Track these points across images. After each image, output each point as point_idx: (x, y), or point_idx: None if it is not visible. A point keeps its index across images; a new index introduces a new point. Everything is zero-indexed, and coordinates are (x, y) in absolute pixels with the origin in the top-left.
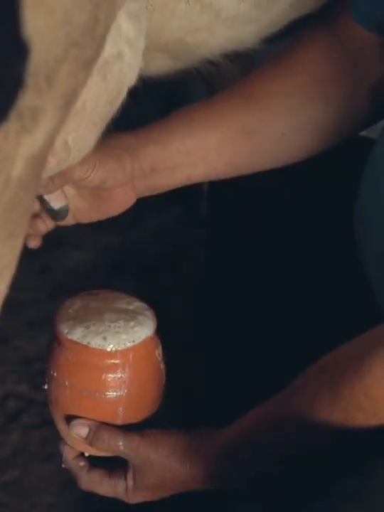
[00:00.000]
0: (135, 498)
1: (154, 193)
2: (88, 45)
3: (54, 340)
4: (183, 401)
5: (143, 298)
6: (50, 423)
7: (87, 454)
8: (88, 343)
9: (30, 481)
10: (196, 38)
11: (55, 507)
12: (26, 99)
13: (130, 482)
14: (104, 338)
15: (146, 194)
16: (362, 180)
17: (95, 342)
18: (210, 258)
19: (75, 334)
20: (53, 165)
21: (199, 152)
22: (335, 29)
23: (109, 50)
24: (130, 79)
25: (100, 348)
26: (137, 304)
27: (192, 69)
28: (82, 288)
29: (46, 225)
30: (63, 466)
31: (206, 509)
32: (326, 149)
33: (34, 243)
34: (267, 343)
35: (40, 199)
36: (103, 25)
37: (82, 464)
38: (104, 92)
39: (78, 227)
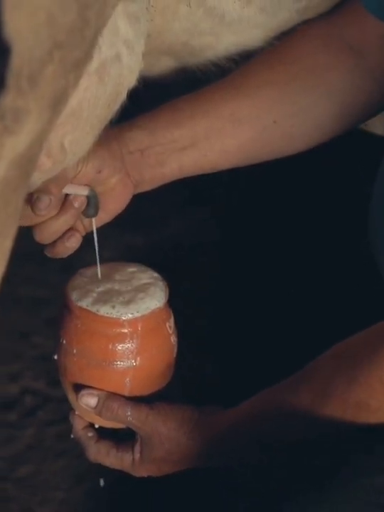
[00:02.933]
0: (141, 471)
1: (152, 185)
2: (77, 46)
3: (64, 307)
4: (193, 391)
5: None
6: (65, 420)
7: (97, 426)
8: (97, 311)
9: (43, 476)
10: (201, 41)
11: (67, 503)
12: (8, 100)
13: (137, 455)
14: (113, 307)
15: (145, 187)
16: (376, 180)
17: (104, 310)
18: (226, 256)
19: (85, 301)
20: (49, 167)
21: (186, 141)
22: (333, 19)
23: (106, 51)
24: (129, 81)
25: (109, 316)
26: (150, 274)
27: (196, 70)
28: None
29: (84, 225)
30: (72, 436)
31: (207, 504)
32: (327, 140)
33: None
34: (277, 332)
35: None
36: (94, 25)
37: (90, 434)
38: (102, 94)
39: (101, 226)
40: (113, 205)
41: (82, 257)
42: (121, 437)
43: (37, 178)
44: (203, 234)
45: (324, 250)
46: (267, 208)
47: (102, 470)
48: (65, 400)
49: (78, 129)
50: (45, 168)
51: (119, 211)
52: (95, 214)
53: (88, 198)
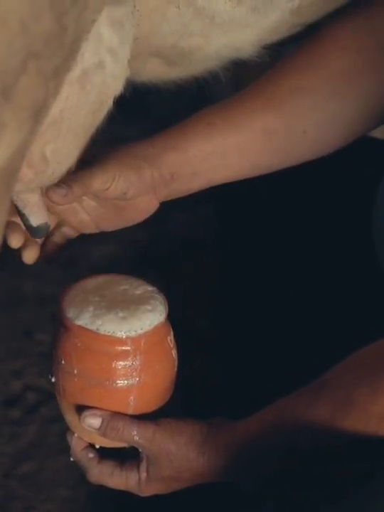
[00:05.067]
0: (148, 491)
1: (176, 197)
2: (55, 54)
3: (60, 326)
4: (195, 392)
5: (166, 293)
6: None
7: (97, 446)
8: (97, 329)
9: (46, 473)
10: (190, 42)
11: (70, 500)
12: None
13: (143, 474)
14: (114, 324)
15: (168, 199)
16: (380, 184)
17: (105, 328)
18: (227, 254)
19: (83, 319)
20: (31, 177)
21: (218, 157)
22: (363, 18)
23: (88, 59)
24: (114, 88)
25: (110, 334)
26: (147, 288)
27: (192, 78)
28: None
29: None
30: (71, 459)
31: (212, 503)
32: (350, 142)
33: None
34: (279, 331)
35: (20, 214)
36: (73, 32)
37: (91, 455)
38: (85, 102)
39: None
40: (132, 217)
41: (87, 252)
42: (124, 456)
43: (20, 189)
44: (205, 230)
45: (326, 249)
46: (269, 205)
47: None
48: None
49: (60, 138)
50: (28, 179)
51: (139, 221)
52: (40, 238)
53: (38, 226)
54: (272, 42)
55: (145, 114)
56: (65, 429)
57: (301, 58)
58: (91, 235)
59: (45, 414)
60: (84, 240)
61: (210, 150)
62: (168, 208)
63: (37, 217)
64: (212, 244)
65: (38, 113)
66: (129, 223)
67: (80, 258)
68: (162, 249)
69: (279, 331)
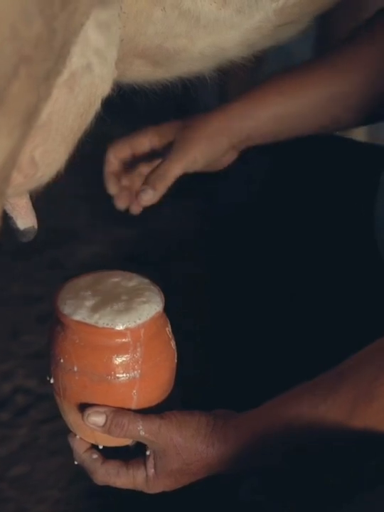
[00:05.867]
0: (156, 488)
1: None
2: (45, 58)
3: (56, 324)
4: (194, 384)
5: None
6: (58, 418)
7: (100, 447)
8: (96, 323)
9: (38, 475)
10: (175, 43)
11: (62, 502)
12: None
13: (151, 470)
14: (112, 317)
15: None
16: (381, 178)
17: (103, 321)
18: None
19: (81, 314)
20: (20, 181)
21: (288, 120)
22: None
23: (76, 61)
24: (102, 90)
25: (109, 327)
26: (141, 280)
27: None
28: None
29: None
30: (75, 462)
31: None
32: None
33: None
34: (273, 327)
35: (8, 217)
36: (62, 35)
37: (95, 456)
38: (73, 105)
39: (89, 220)
40: (216, 168)
41: (71, 253)
42: (128, 455)
43: (9, 194)
44: (193, 226)
45: (327, 242)
46: (258, 201)
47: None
48: None
49: (49, 141)
50: (17, 183)
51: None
52: (26, 241)
53: (25, 230)
54: (255, 41)
55: (130, 113)
56: (55, 431)
57: (367, 34)
58: (76, 235)
59: (34, 416)
60: (69, 239)
61: (281, 116)
62: (154, 206)
63: (24, 221)
64: (201, 241)
65: (30, 118)
66: (213, 170)
67: (65, 258)
68: (149, 248)
69: (277, 326)
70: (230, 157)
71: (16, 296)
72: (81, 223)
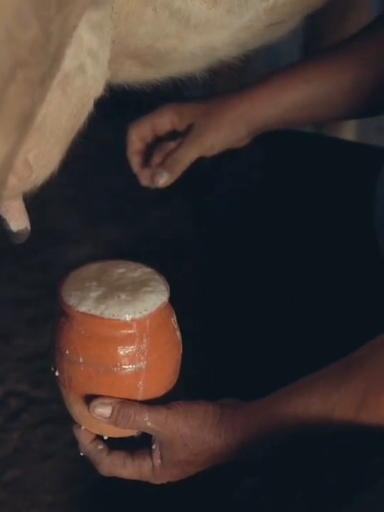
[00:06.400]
0: (162, 478)
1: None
2: (41, 62)
3: (61, 315)
4: (194, 384)
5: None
6: (51, 421)
7: (105, 438)
8: (101, 314)
9: (31, 479)
10: (166, 44)
11: (56, 506)
12: None
13: (157, 461)
14: (117, 307)
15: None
16: (379, 173)
17: (109, 312)
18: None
19: (86, 306)
20: (15, 184)
21: (310, 108)
22: None
23: (69, 63)
24: (95, 90)
25: (115, 318)
26: (145, 270)
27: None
28: None
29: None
30: (81, 453)
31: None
32: None
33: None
34: (262, 325)
35: (1, 219)
36: (57, 39)
37: (100, 447)
38: (66, 106)
39: (78, 222)
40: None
41: (62, 254)
42: (133, 446)
43: (4, 196)
44: (184, 226)
45: (316, 242)
46: (252, 199)
47: (91, 472)
48: (50, 401)
49: (43, 143)
50: (11, 186)
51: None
52: (19, 243)
53: (18, 232)
54: (245, 41)
55: (121, 113)
56: (48, 435)
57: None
58: (66, 237)
59: (27, 420)
60: (58, 241)
61: (304, 104)
62: (143, 207)
63: (17, 223)
64: (191, 240)
65: (25, 121)
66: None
67: (55, 260)
68: (139, 249)
69: (277, 324)
70: (244, 143)
71: (6, 299)
72: (70, 225)
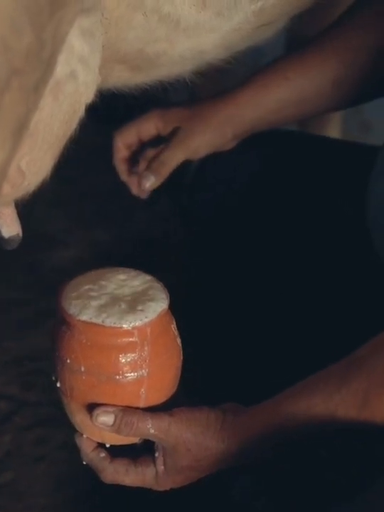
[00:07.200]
0: (166, 484)
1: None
2: (35, 69)
3: (61, 324)
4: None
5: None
6: (42, 424)
7: (107, 445)
8: (103, 322)
9: (23, 482)
10: (156, 48)
11: (49, 508)
12: None
13: (160, 467)
14: (119, 316)
15: None
16: (371, 173)
17: (110, 320)
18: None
19: (87, 314)
20: (8, 191)
21: (293, 106)
22: None
23: (60, 70)
24: (86, 96)
25: (116, 326)
26: (145, 278)
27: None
28: None
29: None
30: (84, 462)
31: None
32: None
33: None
34: (263, 331)
35: None
36: (50, 45)
37: (103, 455)
38: (58, 112)
39: (65, 224)
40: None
41: (49, 256)
42: (135, 453)
43: None
44: (168, 229)
45: (309, 243)
46: (240, 200)
47: (83, 474)
48: (40, 403)
49: (35, 150)
50: (5, 193)
51: None
52: (11, 249)
53: (9, 238)
54: (234, 43)
55: (108, 116)
56: (39, 437)
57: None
58: (53, 239)
59: (18, 422)
60: (45, 243)
61: (288, 103)
62: (129, 208)
63: (9, 229)
64: (178, 243)
65: (20, 129)
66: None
67: (42, 262)
68: (125, 250)
69: (270, 326)
70: (231, 145)
71: None
72: (56, 227)
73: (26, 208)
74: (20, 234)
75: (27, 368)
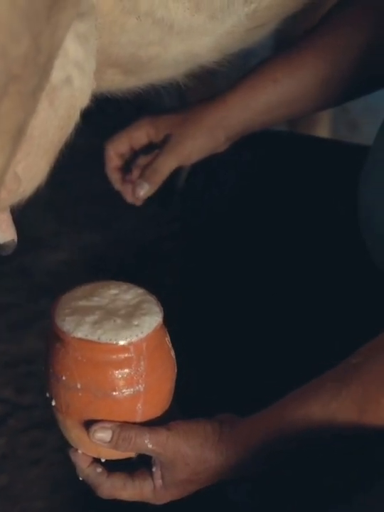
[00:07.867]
0: (164, 498)
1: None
2: (33, 74)
3: (55, 341)
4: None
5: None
6: (37, 427)
7: (103, 460)
8: (98, 339)
9: (19, 486)
10: (149, 51)
11: (45, 511)
12: None
13: (158, 481)
14: (115, 332)
15: None
16: (364, 166)
17: (106, 337)
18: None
19: (82, 331)
20: (4, 197)
21: (283, 107)
22: None
23: (56, 75)
24: (82, 101)
25: (112, 342)
26: (137, 291)
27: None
28: (61, 288)
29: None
30: (80, 478)
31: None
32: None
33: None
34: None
35: None
36: (47, 51)
37: (99, 470)
38: (54, 118)
39: (55, 227)
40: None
41: (40, 259)
42: (131, 467)
43: None
44: (159, 231)
45: (302, 244)
46: (220, 204)
47: (77, 477)
48: (35, 406)
49: (31, 156)
50: (1, 198)
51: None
52: (6, 254)
53: (5, 244)
54: (227, 46)
55: (105, 123)
56: (34, 440)
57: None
58: (43, 242)
59: (13, 425)
60: (36, 246)
61: (277, 104)
62: (120, 211)
63: (5, 235)
64: (168, 246)
65: (18, 135)
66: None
67: (33, 265)
68: (117, 253)
69: (258, 328)
70: (223, 148)
71: None
72: (47, 230)
73: (16, 211)
74: (16, 239)
75: (20, 371)
